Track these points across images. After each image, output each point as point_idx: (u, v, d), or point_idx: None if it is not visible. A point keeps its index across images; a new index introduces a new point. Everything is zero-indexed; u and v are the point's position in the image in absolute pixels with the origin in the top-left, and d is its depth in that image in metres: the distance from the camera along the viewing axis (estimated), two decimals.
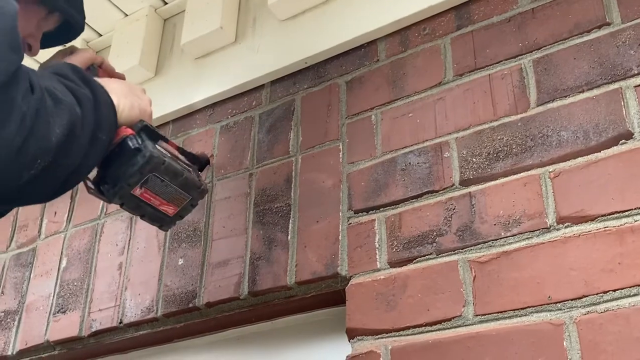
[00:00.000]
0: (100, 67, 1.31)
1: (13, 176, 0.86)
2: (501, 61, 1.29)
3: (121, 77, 1.35)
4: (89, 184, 1.16)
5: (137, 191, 1.15)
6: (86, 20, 1.94)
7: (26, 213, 1.94)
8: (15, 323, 1.76)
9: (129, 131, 1.13)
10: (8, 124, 0.81)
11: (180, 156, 1.24)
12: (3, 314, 1.80)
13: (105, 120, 1.03)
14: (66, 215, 1.84)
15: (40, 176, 0.89)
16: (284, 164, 1.49)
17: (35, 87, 0.86)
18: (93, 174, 1.16)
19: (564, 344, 1.02)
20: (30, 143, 0.85)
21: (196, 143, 1.68)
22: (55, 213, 1.87)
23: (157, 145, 1.17)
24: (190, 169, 1.24)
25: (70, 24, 1.25)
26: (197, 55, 1.76)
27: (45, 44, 1.27)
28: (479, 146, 1.24)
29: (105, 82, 1.09)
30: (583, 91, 1.18)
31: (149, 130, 1.16)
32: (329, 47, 1.53)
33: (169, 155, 1.19)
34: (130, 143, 1.12)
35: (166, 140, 1.22)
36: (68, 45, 1.34)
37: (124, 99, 1.12)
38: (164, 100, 1.77)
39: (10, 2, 0.87)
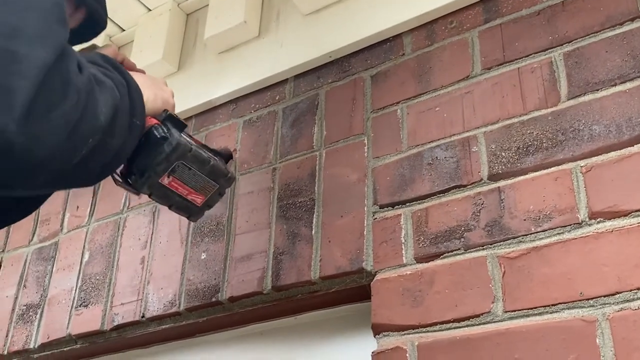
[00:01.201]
0: (121, 64, 1.30)
1: (68, 154, 0.85)
2: (531, 54, 1.27)
3: (141, 72, 1.34)
4: (116, 176, 1.15)
5: (165, 180, 1.15)
6: (109, 15, 1.95)
7: (48, 207, 1.94)
8: (37, 317, 1.76)
9: (154, 121, 1.14)
10: (66, 100, 0.80)
11: (205, 145, 1.24)
12: (25, 307, 1.81)
13: (138, 106, 1.03)
14: (88, 209, 1.84)
15: (89, 156, 0.89)
16: (307, 159, 1.48)
17: (83, 66, 0.86)
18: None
19: (597, 341, 1.00)
20: (84, 120, 0.84)
21: (219, 137, 1.68)
22: (78, 207, 1.87)
23: (182, 134, 1.17)
24: (217, 157, 1.24)
25: (93, 19, 1.25)
26: (220, 50, 1.76)
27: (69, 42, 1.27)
28: (508, 140, 1.22)
29: (131, 74, 1.09)
30: (615, 85, 1.16)
31: (173, 120, 1.16)
32: (353, 41, 1.52)
33: (195, 143, 1.19)
34: (156, 132, 1.12)
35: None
36: (90, 43, 1.34)
37: (148, 90, 1.12)
38: (187, 94, 1.76)
39: None
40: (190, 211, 1.24)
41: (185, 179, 1.17)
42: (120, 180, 1.15)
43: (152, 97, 1.13)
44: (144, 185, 1.14)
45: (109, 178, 1.13)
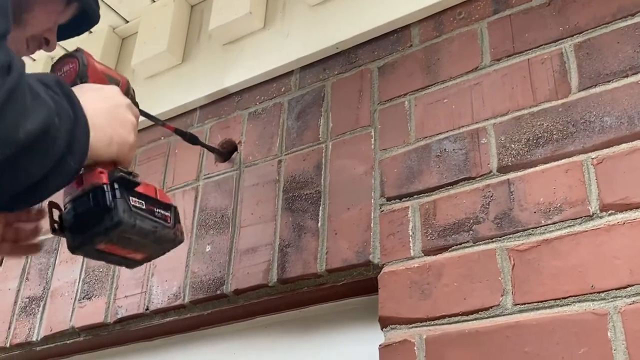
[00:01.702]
0: (92, 58, 1.16)
1: None
2: (541, 45, 1.26)
3: (118, 79, 1.18)
4: (55, 216, 1.04)
5: (102, 246, 1.04)
6: (113, 7, 1.95)
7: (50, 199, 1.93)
8: (40, 309, 1.75)
9: (104, 179, 1.00)
10: None
11: (158, 200, 1.09)
12: (28, 300, 1.80)
13: (79, 147, 0.88)
14: None
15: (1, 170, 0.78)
16: (313, 151, 1.47)
17: (14, 68, 0.76)
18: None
19: (608, 334, 0.98)
20: None
21: (224, 130, 1.66)
22: None
23: (131, 198, 1.03)
24: (167, 216, 1.10)
25: (86, 14, 1.21)
26: (225, 41, 1.74)
27: (59, 36, 1.20)
28: (517, 132, 1.21)
29: (88, 104, 0.91)
30: (627, 76, 1.14)
31: (124, 181, 1.03)
32: (360, 32, 1.50)
33: (142, 209, 1.05)
34: (99, 198, 1.00)
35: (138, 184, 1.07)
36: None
37: (102, 131, 0.96)
38: (192, 86, 1.75)
39: None
40: (127, 264, 1.14)
41: (124, 245, 1.05)
42: (56, 228, 1.03)
43: (106, 141, 0.97)
44: (79, 250, 1.03)
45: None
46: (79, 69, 1.10)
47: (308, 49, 1.57)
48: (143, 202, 1.05)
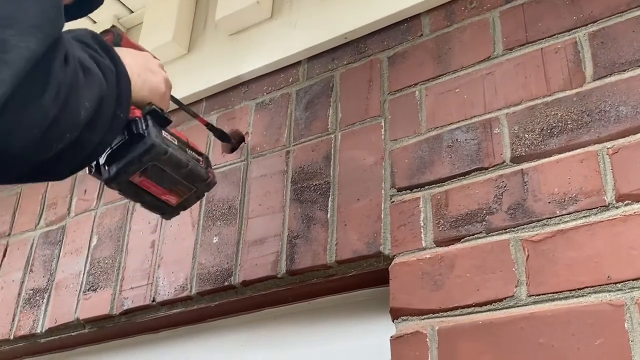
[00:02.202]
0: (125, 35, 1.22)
1: (43, 149, 0.81)
2: (554, 35, 1.25)
3: (141, 49, 1.24)
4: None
5: (136, 179, 1.08)
6: None
7: (55, 191, 1.92)
8: (44, 301, 1.74)
9: (136, 113, 1.06)
10: (45, 94, 0.77)
11: (190, 144, 1.16)
12: (32, 291, 1.78)
13: (125, 97, 0.96)
14: (96, 193, 1.81)
15: (66, 151, 0.85)
16: (322, 141, 1.45)
17: (69, 57, 0.82)
18: None
19: (625, 325, 0.97)
20: (63, 116, 0.80)
21: (231, 120, 1.65)
22: (85, 191, 1.84)
23: (163, 132, 1.09)
24: (199, 159, 1.16)
25: None
26: (231, 31, 1.73)
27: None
28: (531, 122, 1.19)
29: (122, 55, 1.01)
30: None
31: (156, 115, 1.08)
32: (370, 21, 1.49)
33: (175, 143, 1.11)
34: (133, 127, 1.05)
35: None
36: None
37: (137, 76, 1.04)
38: (198, 77, 1.73)
39: None
40: (163, 210, 1.17)
41: (158, 179, 1.09)
42: (92, 168, 1.09)
43: (139, 83, 1.05)
44: (113, 181, 1.07)
45: None
46: (113, 38, 1.15)
47: (316, 39, 1.56)
48: (175, 139, 1.11)
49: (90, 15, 1.98)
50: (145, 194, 1.11)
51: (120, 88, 0.94)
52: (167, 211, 1.18)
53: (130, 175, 1.07)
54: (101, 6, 1.89)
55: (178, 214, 1.21)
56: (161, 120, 1.09)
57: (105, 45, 0.97)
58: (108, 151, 1.07)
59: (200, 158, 1.17)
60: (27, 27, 0.75)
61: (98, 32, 1.18)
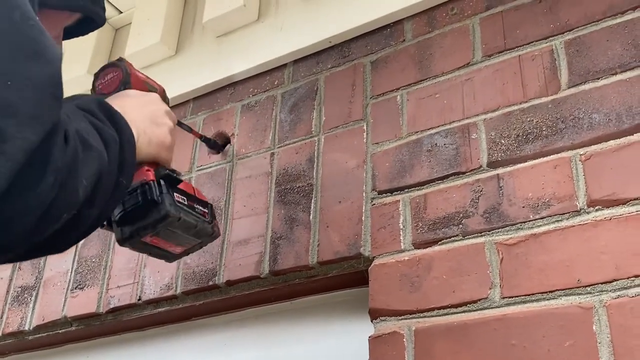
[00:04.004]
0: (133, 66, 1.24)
1: (39, 233, 0.80)
2: (532, 42, 1.27)
3: (156, 87, 1.26)
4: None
5: (148, 239, 1.13)
6: None
7: None
8: (32, 298, 1.76)
9: (150, 176, 1.09)
10: (42, 182, 0.75)
11: (197, 197, 1.19)
12: (20, 289, 1.80)
13: (129, 164, 0.96)
14: None
15: (63, 229, 0.84)
16: (306, 144, 1.48)
17: (69, 136, 0.80)
18: None
19: (594, 327, 1.00)
20: (60, 199, 0.79)
21: (217, 121, 1.67)
22: None
23: (175, 194, 1.13)
24: (205, 212, 1.20)
25: (91, 18, 1.22)
26: (218, 33, 1.75)
27: (64, 36, 1.23)
28: (507, 128, 1.22)
29: (126, 111, 0.99)
30: (616, 73, 1.16)
31: (169, 178, 1.12)
32: (354, 26, 1.51)
33: (185, 204, 1.14)
34: (148, 193, 1.08)
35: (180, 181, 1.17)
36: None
37: (143, 134, 1.04)
38: (185, 78, 1.75)
39: (55, 47, 0.80)
40: (167, 258, 1.23)
41: (168, 238, 1.15)
42: (105, 224, 1.12)
43: (146, 141, 1.05)
44: (126, 242, 1.11)
45: None
46: (122, 77, 1.18)
47: (302, 42, 1.58)
48: (185, 199, 1.15)
49: None
50: (153, 248, 1.17)
51: (123, 156, 0.93)
52: (171, 258, 1.24)
53: (142, 238, 1.11)
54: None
55: (181, 258, 1.27)
56: (173, 181, 1.13)
57: (110, 111, 0.96)
58: (121, 212, 1.10)
59: (205, 211, 1.21)
60: (25, 118, 0.73)
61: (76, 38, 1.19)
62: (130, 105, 1.02)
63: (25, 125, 0.73)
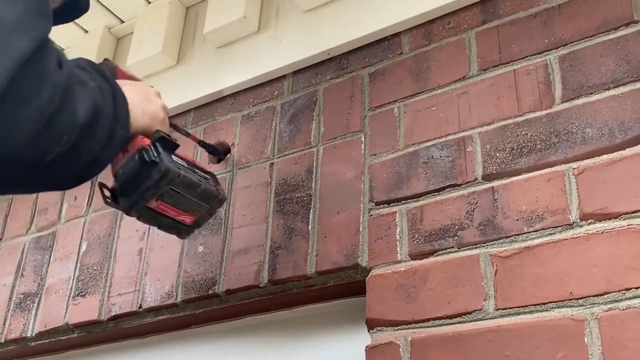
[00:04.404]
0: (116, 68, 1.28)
1: (41, 151, 0.83)
2: (526, 57, 1.29)
3: (134, 79, 1.30)
4: (106, 192, 1.15)
5: (153, 204, 1.14)
6: (109, 7, 1.97)
7: (46, 197, 1.96)
8: (35, 305, 1.78)
9: (146, 142, 1.11)
10: (40, 94, 0.79)
11: (197, 164, 1.22)
12: (23, 296, 1.83)
13: (122, 114, 1.00)
14: (86, 200, 1.85)
15: (65, 156, 0.87)
16: (305, 155, 1.50)
17: (63, 63, 0.84)
18: (110, 181, 1.16)
19: (585, 339, 1.02)
20: (59, 117, 0.82)
21: (217, 131, 1.69)
22: (76, 198, 1.88)
23: (173, 157, 1.15)
24: (208, 178, 1.22)
25: (76, 4, 1.24)
26: (219, 44, 1.77)
27: None
28: (502, 141, 1.24)
29: (121, 84, 1.05)
30: (609, 89, 1.18)
31: (165, 141, 1.14)
32: (352, 38, 1.53)
33: (186, 166, 1.16)
34: (146, 155, 1.10)
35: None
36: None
37: (137, 105, 1.08)
38: (186, 88, 1.78)
39: None
40: (179, 231, 1.23)
41: (174, 202, 1.15)
42: (109, 199, 1.15)
43: (139, 112, 1.09)
44: (132, 209, 1.13)
45: (107, 171, 1.14)
46: (108, 72, 1.19)
47: (301, 54, 1.60)
48: (184, 162, 1.17)
49: (81, 24, 2.04)
50: (162, 217, 1.17)
51: (116, 105, 0.98)
52: (183, 231, 1.25)
53: (147, 202, 1.13)
54: (93, 16, 1.95)
55: (193, 232, 1.27)
56: (170, 145, 1.15)
57: (102, 72, 1.01)
58: (123, 182, 1.12)
59: (208, 177, 1.23)
60: (12, 28, 0.76)
61: (77, 46, 1.23)
62: (122, 83, 1.06)
63: (12, 34, 0.76)
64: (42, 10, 0.82)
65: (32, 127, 0.79)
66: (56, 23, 1.26)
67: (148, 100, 1.14)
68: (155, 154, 1.11)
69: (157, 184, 1.11)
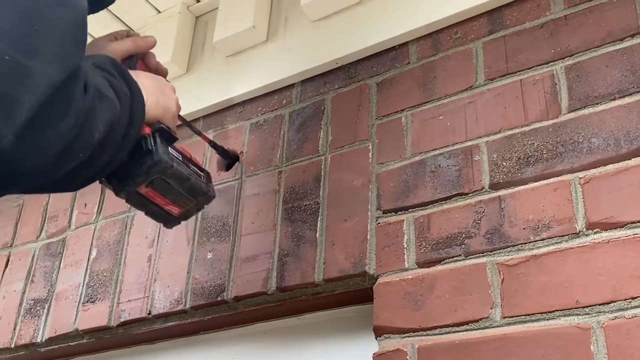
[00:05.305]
0: (142, 60, 1.33)
1: (56, 170, 0.89)
2: (533, 67, 1.31)
3: (162, 71, 1.37)
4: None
5: (143, 189, 1.17)
6: (119, 16, 1.99)
7: (56, 204, 1.98)
8: (45, 311, 1.80)
9: (147, 130, 1.15)
10: (65, 120, 0.83)
11: (193, 160, 1.25)
12: (33, 302, 1.84)
13: (138, 117, 1.05)
14: (96, 207, 1.87)
15: (77, 169, 0.92)
16: (313, 163, 1.52)
17: (89, 85, 0.89)
18: None
19: (591, 348, 1.03)
20: (78, 140, 0.87)
21: (226, 139, 1.71)
22: (86, 205, 1.90)
23: (170, 149, 1.19)
24: (201, 174, 1.25)
25: None
26: (228, 54, 1.79)
27: None
28: (509, 150, 1.25)
29: (139, 77, 1.10)
30: (615, 99, 1.19)
31: (164, 132, 1.17)
32: (360, 48, 1.55)
33: (179, 159, 1.20)
34: (143, 143, 1.13)
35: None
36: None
37: (152, 96, 1.14)
38: (195, 97, 1.80)
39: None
40: (166, 220, 1.27)
41: (163, 191, 1.19)
42: (104, 180, 1.18)
43: (154, 104, 1.14)
44: (122, 191, 1.17)
45: None
46: (130, 63, 1.28)
47: (309, 63, 1.62)
48: (180, 155, 1.21)
49: (92, 33, 2.05)
50: (150, 203, 1.21)
51: (133, 109, 1.02)
52: (170, 221, 1.28)
53: (137, 187, 1.16)
54: (104, 24, 1.96)
55: (179, 223, 1.30)
56: (168, 137, 1.18)
57: (122, 71, 1.06)
58: (118, 164, 1.15)
59: (201, 173, 1.26)
60: (49, 57, 0.81)
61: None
62: (140, 75, 1.12)
63: (49, 64, 0.81)
64: (79, 41, 0.87)
65: (52, 151, 0.84)
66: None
67: (163, 93, 1.19)
68: (153, 144, 1.15)
69: (148, 171, 1.15)
